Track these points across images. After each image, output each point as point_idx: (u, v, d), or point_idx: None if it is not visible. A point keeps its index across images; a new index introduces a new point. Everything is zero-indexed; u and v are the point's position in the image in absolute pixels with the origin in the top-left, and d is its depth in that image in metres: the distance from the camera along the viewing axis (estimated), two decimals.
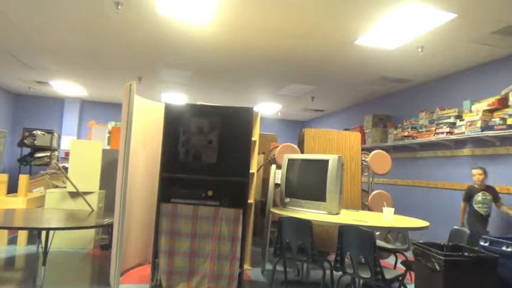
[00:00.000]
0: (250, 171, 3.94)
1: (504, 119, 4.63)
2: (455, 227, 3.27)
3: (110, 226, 3.74)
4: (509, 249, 2.71)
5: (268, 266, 4.42)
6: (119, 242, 3.38)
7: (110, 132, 6.65)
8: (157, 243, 3.37)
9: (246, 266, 4.31)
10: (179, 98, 8.93)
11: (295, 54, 5.51)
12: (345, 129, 7.02)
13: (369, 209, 4.47)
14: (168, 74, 7.00)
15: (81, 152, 5.01)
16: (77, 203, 4.82)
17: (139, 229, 4.10)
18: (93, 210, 4.76)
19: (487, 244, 2.93)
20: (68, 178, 4.87)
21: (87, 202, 4.79)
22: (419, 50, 4.83)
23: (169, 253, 3.37)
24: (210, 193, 3.50)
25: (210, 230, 3.41)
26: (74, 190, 4.82)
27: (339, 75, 6.54)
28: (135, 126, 3.59)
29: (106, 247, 4.80)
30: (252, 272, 4.32)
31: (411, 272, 3.34)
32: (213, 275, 3.37)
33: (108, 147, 6.16)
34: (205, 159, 3.56)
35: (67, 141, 8.85)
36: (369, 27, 4.32)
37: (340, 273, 3.01)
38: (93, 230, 4.90)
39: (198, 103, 3.96)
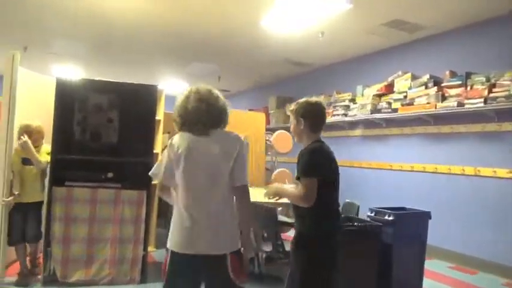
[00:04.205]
0: (154, 151, 3.81)
1: (390, 103, 5.18)
2: (347, 200, 3.60)
3: None
4: (390, 218, 3.08)
5: None
6: (2, 232, 3.03)
7: None
8: (49, 231, 3.11)
9: (151, 248, 4.22)
10: (74, 72, 8.10)
11: (198, 30, 5.37)
12: (250, 110, 7.16)
13: None
14: (60, 44, 6.30)
15: None
16: None
17: None
18: None
19: (373, 214, 3.30)
20: None
21: None
22: (320, 35, 5.10)
23: (64, 241, 3.13)
24: (110, 175, 3.32)
25: (111, 214, 3.24)
26: None
27: (243, 55, 6.58)
28: (19, 102, 3.19)
29: None
30: (157, 254, 4.25)
31: None
32: (115, 260, 3.23)
33: None
34: (105, 139, 3.35)
35: None
36: (270, 7, 4.34)
37: None
38: None
39: (97, 78, 3.66)
